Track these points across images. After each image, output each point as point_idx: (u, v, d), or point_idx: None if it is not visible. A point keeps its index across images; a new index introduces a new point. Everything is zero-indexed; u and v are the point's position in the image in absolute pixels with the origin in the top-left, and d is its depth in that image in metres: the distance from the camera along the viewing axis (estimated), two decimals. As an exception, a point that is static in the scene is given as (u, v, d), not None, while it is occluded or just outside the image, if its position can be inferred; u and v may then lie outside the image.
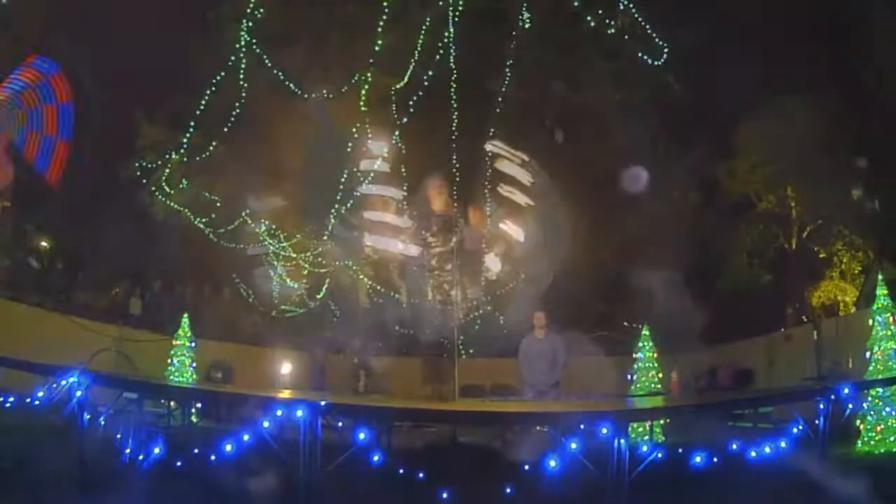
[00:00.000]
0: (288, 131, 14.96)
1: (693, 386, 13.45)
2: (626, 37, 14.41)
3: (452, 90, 14.87)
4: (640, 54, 14.44)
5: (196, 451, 5.04)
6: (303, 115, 14.97)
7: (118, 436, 5.35)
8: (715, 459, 5.35)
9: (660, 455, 4.85)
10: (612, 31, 14.19)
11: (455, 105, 14.86)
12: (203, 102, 13.82)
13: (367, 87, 14.35)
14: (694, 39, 14.82)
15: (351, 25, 15.29)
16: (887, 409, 6.80)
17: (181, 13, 15.34)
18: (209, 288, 15.89)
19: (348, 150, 14.18)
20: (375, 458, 4.80)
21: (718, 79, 15.19)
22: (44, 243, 14.15)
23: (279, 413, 4.56)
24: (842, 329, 11.05)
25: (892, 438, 6.70)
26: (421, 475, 5.24)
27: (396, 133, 14.93)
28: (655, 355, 9.66)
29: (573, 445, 4.67)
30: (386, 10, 13.68)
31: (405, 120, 14.72)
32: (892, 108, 13.91)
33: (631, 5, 14.06)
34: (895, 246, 14.47)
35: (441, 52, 14.43)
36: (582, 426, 4.93)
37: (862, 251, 16.19)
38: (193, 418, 8.93)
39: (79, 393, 4.73)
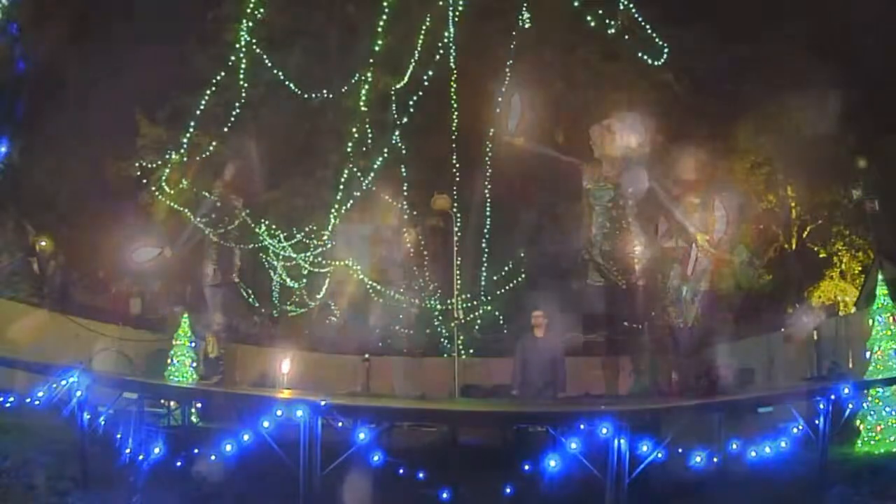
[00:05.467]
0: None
1: (693, 386, 13.45)
2: (626, 37, 14.41)
3: (452, 90, 14.90)
4: (639, 54, 14.45)
5: (196, 451, 5.04)
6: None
7: (118, 436, 5.34)
8: (715, 460, 5.35)
9: (660, 455, 4.84)
10: (612, 31, 14.19)
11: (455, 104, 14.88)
12: (203, 102, 13.83)
13: (367, 86, 14.37)
14: (693, 39, 14.84)
15: (351, 25, 15.31)
16: (887, 409, 6.80)
17: (182, 13, 15.34)
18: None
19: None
20: (375, 458, 4.79)
21: (718, 78, 15.20)
22: (43, 243, 14.13)
23: (279, 413, 4.55)
24: (842, 329, 11.04)
25: (892, 438, 6.69)
26: (421, 475, 5.24)
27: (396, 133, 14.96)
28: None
29: (573, 445, 4.66)
30: (386, 10, 13.70)
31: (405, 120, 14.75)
32: (893, 107, 13.91)
33: (631, 5, 14.06)
34: (895, 246, 14.46)
35: (441, 52, 14.45)
36: (582, 426, 4.92)
37: (862, 251, 16.19)
38: (193, 418, 8.93)
39: (79, 393, 4.73)
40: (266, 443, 4.54)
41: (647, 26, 14.13)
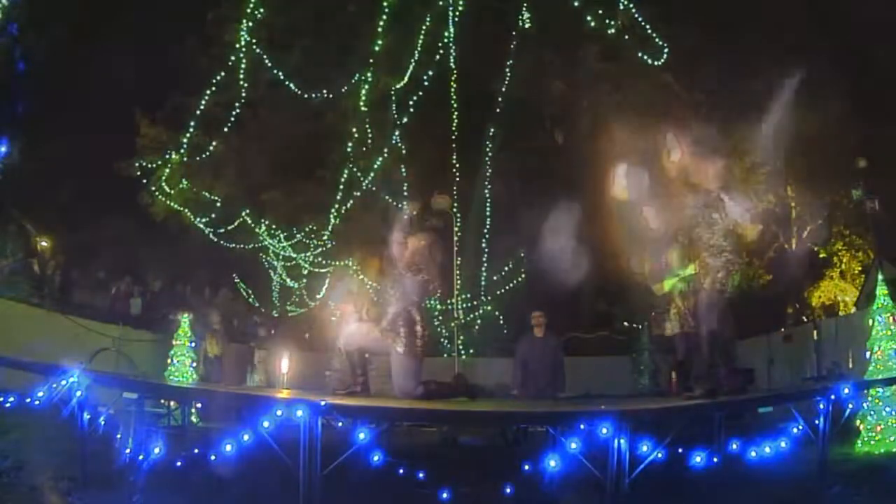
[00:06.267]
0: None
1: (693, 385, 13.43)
2: (626, 37, 14.42)
3: (452, 90, 14.92)
4: (639, 54, 14.45)
5: (196, 450, 5.04)
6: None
7: (118, 436, 5.34)
8: (715, 460, 5.35)
9: (660, 455, 4.83)
10: (612, 30, 14.19)
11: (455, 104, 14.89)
12: (203, 102, 13.84)
13: (367, 86, 14.38)
14: (693, 38, 14.84)
15: (351, 25, 15.30)
16: (887, 409, 6.80)
17: (182, 13, 15.35)
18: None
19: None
20: (375, 458, 4.78)
21: (719, 78, 15.18)
22: (44, 243, 14.15)
23: (279, 413, 4.54)
24: (842, 329, 11.04)
25: (892, 438, 6.70)
26: (421, 475, 5.24)
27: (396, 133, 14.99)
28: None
29: (573, 445, 4.66)
30: (386, 10, 13.70)
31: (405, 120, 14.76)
32: (893, 107, 13.90)
33: (631, 5, 14.07)
34: (895, 246, 14.46)
35: (441, 52, 14.46)
36: (582, 426, 4.91)
37: (862, 251, 16.18)
38: (193, 418, 8.93)
39: (79, 393, 4.73)
40: (266, 443, 4.53)
41: (648, 26, 14.14)
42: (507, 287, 16.24)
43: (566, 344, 10.14)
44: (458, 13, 14.43)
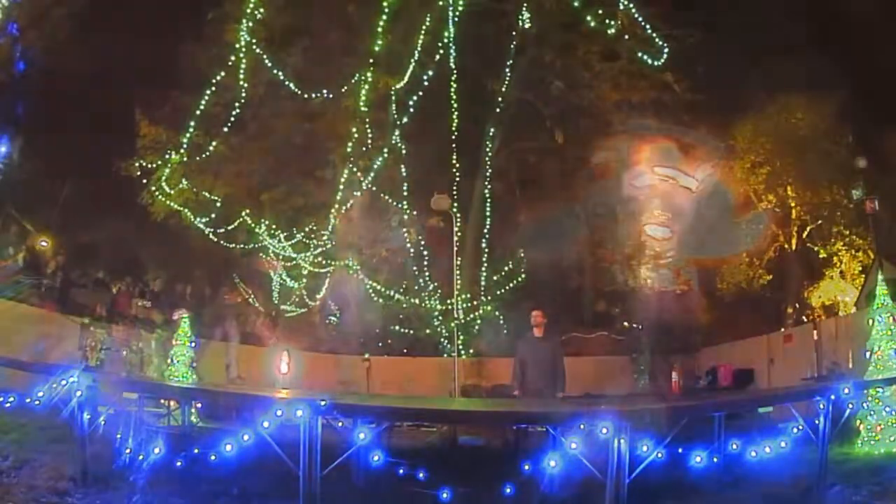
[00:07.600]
0: None
1: (693, 386, 13.46)
2: (626, 37, 14.43)
3: (452, 90, 14.92)
4: (640, 54, 14.45)
5: (196, 450, 5.04)
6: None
7: (118, 436, 5.34)
8: (715, 459, 5.34)
9: (660, 455, 4.83)
10: (612, 31, 14.20)
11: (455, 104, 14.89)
12: (203, 102, 13.83)
13: (367, 86, 14.38)
14: (694, 39, 14.84)
15: (351, 25, 15.31)
16: (887, 409, 6.80)
17: (182, 12, 15.35)
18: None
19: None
20: (375, 458, 4.78)
21: (718, 78, 15.18)
22: (44, 243, 14.13)
23: (279, 413, 4.53)
24: (842, 329, 11.03)
25: (892, 438, 6.69)
26: (421, 475, 5.24)
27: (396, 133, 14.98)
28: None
29: (573, 445, 4.65)
30: (386, 10, 13.71)
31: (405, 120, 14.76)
32: (892, 107, 13.90)
33: (631, 5, 14.07)
34: (895, 246, 14.45)
35: (441, 52, 14.46)
36: (582, 426, 4.91)
37: (862, 251, 16.16)
38: (193, 418, 8.92)
39: (79, 393, 4.73)
40: (266, 443, 4.53)
41: (647, 26, 14.15)
42: (507, 287, 16.22)
43: (566, 344, 10.13)
44: (458, 13, 14.42)
